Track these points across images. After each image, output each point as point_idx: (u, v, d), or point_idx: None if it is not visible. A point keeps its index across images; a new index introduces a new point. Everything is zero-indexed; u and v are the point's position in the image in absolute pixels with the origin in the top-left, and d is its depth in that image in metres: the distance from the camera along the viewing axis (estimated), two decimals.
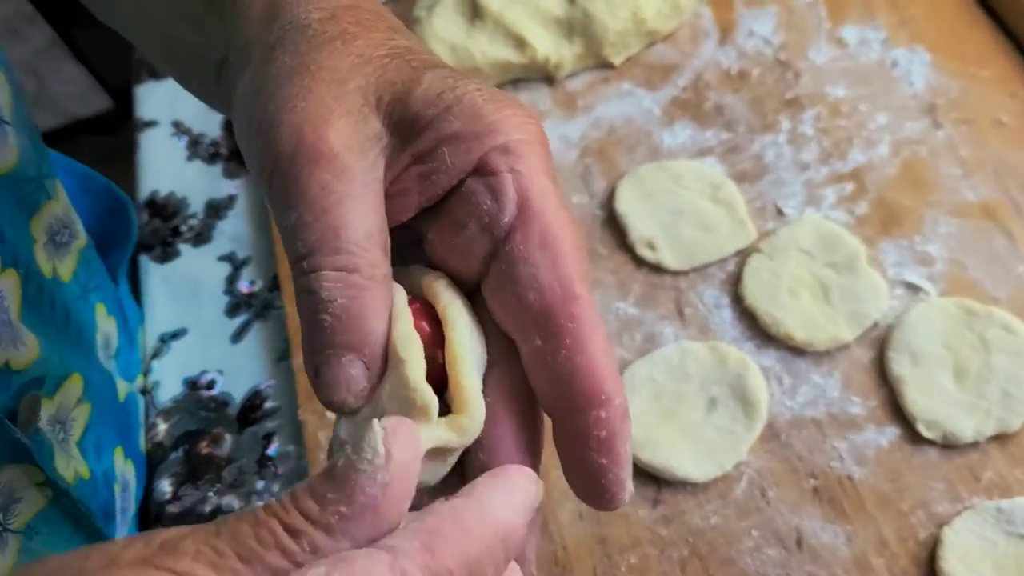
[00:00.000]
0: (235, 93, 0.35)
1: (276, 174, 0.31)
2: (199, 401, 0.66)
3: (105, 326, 0.62)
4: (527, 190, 0.30)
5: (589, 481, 0.29)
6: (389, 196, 0.32)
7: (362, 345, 0.30)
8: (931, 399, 0.53)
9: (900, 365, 0.55)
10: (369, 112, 0.32)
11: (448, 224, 0.32)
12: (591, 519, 0.54)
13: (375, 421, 0.25)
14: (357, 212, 0.31)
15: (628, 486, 0.30)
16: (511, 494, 0.26)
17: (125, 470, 0.61)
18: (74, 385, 0.53)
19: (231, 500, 0.61)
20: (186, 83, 0.44)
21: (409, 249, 0.35)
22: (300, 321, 0.31)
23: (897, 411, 0.54)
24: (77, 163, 0.64)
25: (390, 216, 0.33)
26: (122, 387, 0.62)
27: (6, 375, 0.45)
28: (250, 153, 0.33)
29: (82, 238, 0.58)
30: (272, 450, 0.62)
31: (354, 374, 0.30)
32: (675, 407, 0.56)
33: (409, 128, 0.32)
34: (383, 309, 0.30)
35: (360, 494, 0.24)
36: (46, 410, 0.49)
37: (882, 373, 0.55)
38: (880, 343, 0.56)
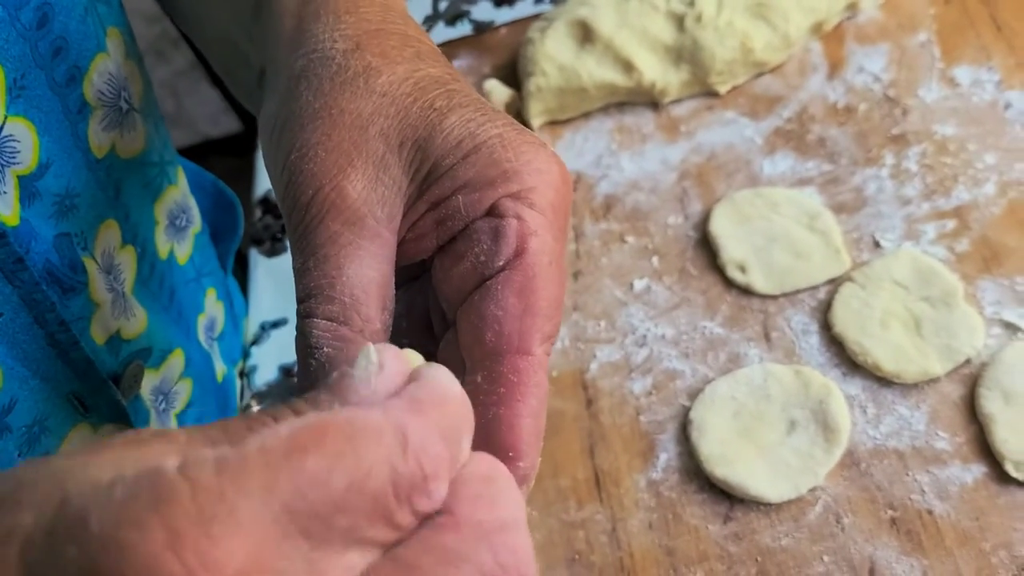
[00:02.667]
0: (262, 116, 0.36)
1: (293, 218, 0.32)
2: (291, 388, 0.68)
3: (213, 310, 0.65)
4: (526, 240, 0.31)
5: None
6: (407, 240, 0.33)
7: None
8: (1022, 439, 0.51)
9: (991, 403, 0.53)
10: (391, 158, 0.32)
11: (450, 254, 0.33)
12: (660, 530, 0.54)
13: (369, 344, 0.25)
14: (359, 263, 0.31)
15: None
16: (452, 378, 0.26)
17: None
18: (177, 360, 0.56)
19: None
20: (235, 88, 0.46)
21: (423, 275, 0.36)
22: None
23: (985, 449, 0.52)
24: (186, 160, 0.68)
25: (409, 255, 0.34)
26: (220, 369, 0.65)
27: (116, 342, 0.48)
28: (276, 184, 0.34)
29: (198, 224, 0.62)
30: None
31: None
32: (754, 426, 0.55)
33: (427, 176, 0.32)
34: None
35: (353, 394, 0.24)
36: (150, 380, 0.52)
37: (972, 410, 0.54)
38: (972, 380, 0.55)
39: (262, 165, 0.82)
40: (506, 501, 0.23)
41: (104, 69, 0.46)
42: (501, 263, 0.31)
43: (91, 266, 0.45)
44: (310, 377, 0.31)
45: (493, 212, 0.32)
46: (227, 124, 2.20)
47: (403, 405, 0.23)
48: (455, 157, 0.32)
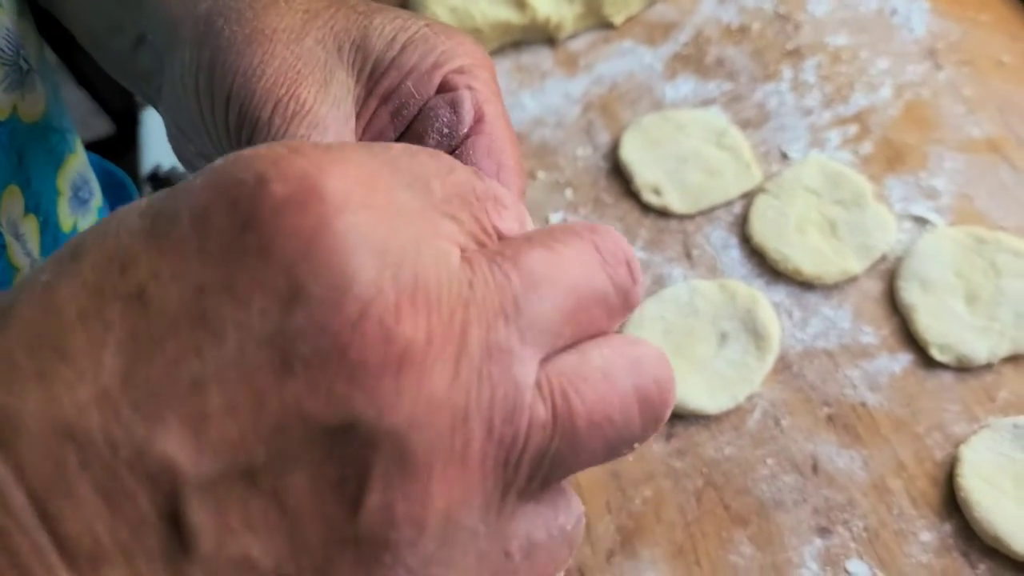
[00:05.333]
0: (170, 72, 0.35)
1: (256, 137, 0.32)
2: None
3: None
4: (481, 106, 0.33)
5: None
6: (365, 139, 0.34)
7: None
8: (943, 324, 0.53)
9: (910, 293, 0.54)
10: (333, 63, 0.33)
11: (411, 139, 0.34)
12: None
13: None
14: None
15: None
16: None
17: None
18: None
19: None
20: (105, 58, 0.44)
21: None
22: None
23: (909, 338, 0.54)
24: None
25: None
26: None
27: None
28: (217, 122, 0.34)
29: (98, 197, 0.59)
30: None
31: None
32: (686, 342, 0.55)
33: (372, 72, 0.33)
34: None
35: None
36: None
37: (892, 303, 0.55)
38: (889, 275, 0.56)
39: (146, 138, 0.78)
40: None
41: (1, 24, 0.43)
42: (465, 128, 0.33)
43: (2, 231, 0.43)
44: None
45: (443, 89, 0.33)
46: (98, 127, 2.11)
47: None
48: (394, 50, 0.33)
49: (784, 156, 0.62)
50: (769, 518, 0.50)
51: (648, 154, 0.63)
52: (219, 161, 0.20)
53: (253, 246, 0.19)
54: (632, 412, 0.22)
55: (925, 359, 0.53)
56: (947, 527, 0.48)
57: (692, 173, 0.62)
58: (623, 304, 0.23)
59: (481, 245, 0.22)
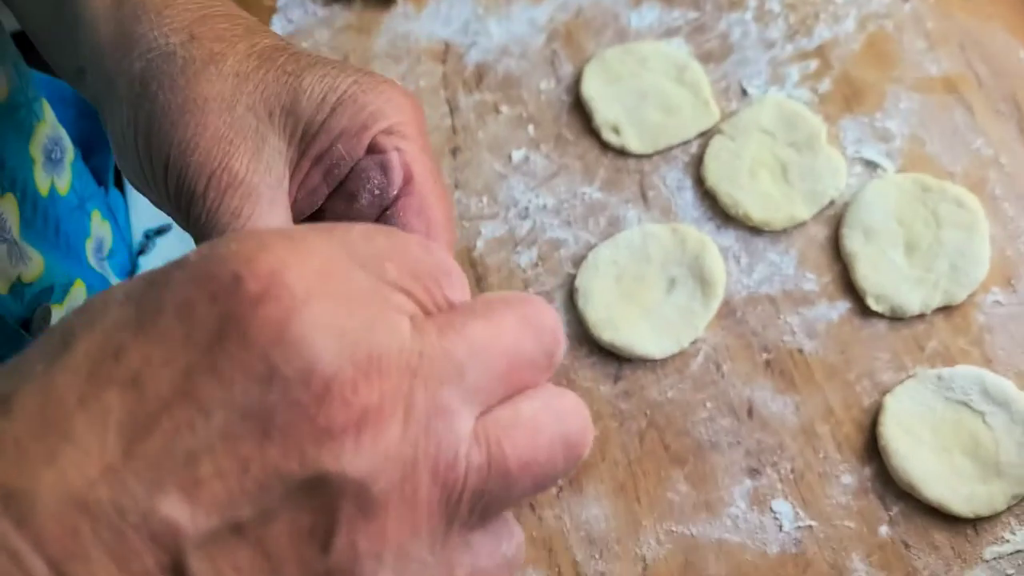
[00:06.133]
0: (111, 118, 0.37)
1: (193, 211, 0.34)
2: None
3: (99, 231, 0.64)
4: (410, 166, 0.36)
5: None
6: (300, 198, 0.37)
7: None
8: (881, 273, 0.55)
9: (852, 241, 0.56)
10: (264, 129, 0.35)
11: (343, 196, 0.37)
12: None
13: None
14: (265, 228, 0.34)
15: None
16: None
17: None
18: (79, 290, 0.56)
19: None
20: (56, 67, 0.45)
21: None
22: None
23: (849, 286, 0.56)
24: (43, 73, 0.65)
25: (304, 209, 0.37)
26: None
27: (19, 288, 0.49)
28: (157, 184, 0.36)
29: (71, 151, 0.60)
30: None
31: None
32: (636, 288, 0.58)
33: (303, 135, 0.36)
34: None
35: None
36: (56, 315, 0.53)
37: (836, 250, 0.57)
38: (836, 221, 0.58)
39: None
40: None
41: None
42: (395, 190, 0.35)
43: None
44: None
45: (373, 150, 0.36)
46: None
47: None
48: (324, 112, 0.35)
49: (744, 92, 0.63)
50: (705, 459, 0.54)
51: (609, 89, 0.64)
52: (193, 256, 0.23)
53: (233, 334, 0.22)
54: (556, 454, 0.26)
55: (862, 307, 0.55)
56: (867, 471, 0.51)
57: (651, 111, 0.63)
58: (548, 364, 0.27)
59: (429, 313, 0.25)
